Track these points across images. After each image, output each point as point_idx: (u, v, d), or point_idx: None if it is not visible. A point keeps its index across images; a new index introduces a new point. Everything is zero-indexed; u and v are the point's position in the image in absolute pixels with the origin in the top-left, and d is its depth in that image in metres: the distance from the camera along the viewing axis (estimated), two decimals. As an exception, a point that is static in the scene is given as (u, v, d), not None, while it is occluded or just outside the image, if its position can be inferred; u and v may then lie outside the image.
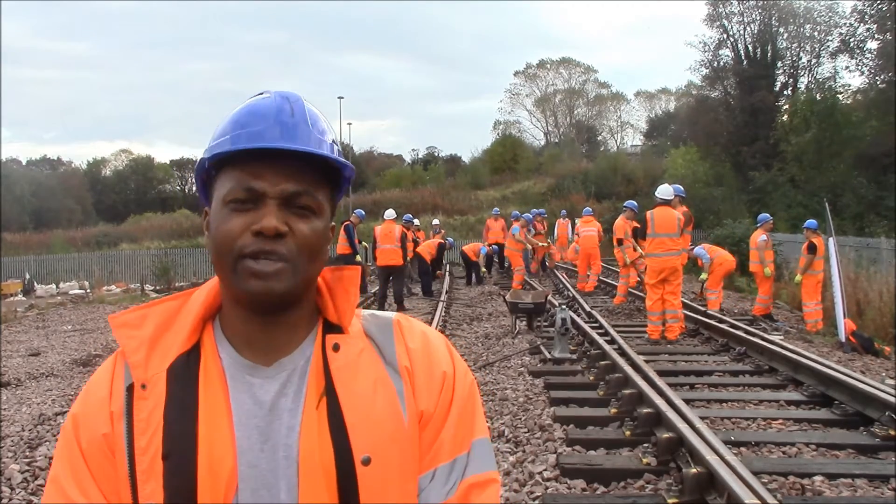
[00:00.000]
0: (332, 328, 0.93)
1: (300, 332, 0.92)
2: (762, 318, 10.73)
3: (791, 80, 30.67)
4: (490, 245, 19.29)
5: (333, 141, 0.91)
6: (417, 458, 0.91)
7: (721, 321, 9.62)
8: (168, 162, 58.64)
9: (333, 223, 0.95)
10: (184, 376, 0.87)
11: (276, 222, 0.84)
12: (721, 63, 31.22)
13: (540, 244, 17.82)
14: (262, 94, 0.91)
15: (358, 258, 14.06)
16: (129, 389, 0.87)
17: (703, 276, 12.09)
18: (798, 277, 10.50)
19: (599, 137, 59.20)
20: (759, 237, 11.20)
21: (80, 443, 0.89)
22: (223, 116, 0.91)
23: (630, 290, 12.88)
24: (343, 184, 0.94)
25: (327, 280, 0.96)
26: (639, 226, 11.16)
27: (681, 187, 11.33)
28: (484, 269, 18.81)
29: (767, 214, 11.80)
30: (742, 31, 30.40)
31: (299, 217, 0.86)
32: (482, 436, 0.96)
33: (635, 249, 12.03)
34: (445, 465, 0.91)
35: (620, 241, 12.45)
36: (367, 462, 0.85)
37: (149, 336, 0.90)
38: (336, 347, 0.91)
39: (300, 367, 0.90)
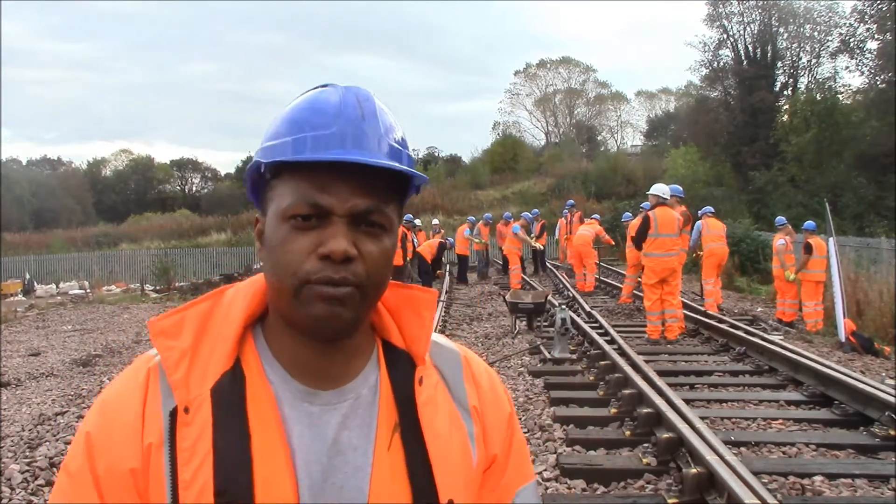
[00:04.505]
0: (391, 351, 0.86)
1: (360, 356, 0.84)
2: (784, 323, 10.45)
3: (791, 80, 30.74)
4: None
5: (402, 139, 0.80)
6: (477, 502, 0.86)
7: (721, 321, 9.62)
8: (168, 162, 58.82)
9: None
10: (231, 400, 0.76)
11: (345, 245, 0.74)
12: (721, 63, 31.30)
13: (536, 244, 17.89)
14: (324, 86, 0.80)
15: None
16: (173, 415, 0.76)
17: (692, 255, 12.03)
18: (791, 276, 10.33)
19: (599, 137, 59.21)
20: (777, 241, 10.92)
21: (94, 469, 0.76)
22: (280, 111, 0.80)
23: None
24: (411, 191, 0.82)
25: (388, 298, 0.86)
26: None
27: (679, 187, 11.28)
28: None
29: (783, 218, 11.51)
30: (742, 32, 30.49)
31: (368, 236, 0.76)
32: (534, 478, 0.94)
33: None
34: None
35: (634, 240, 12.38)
36: None
37: (188, 347, 0.79)
38: (421, 381, 0.84)
39: (364, 396, 0.82)
